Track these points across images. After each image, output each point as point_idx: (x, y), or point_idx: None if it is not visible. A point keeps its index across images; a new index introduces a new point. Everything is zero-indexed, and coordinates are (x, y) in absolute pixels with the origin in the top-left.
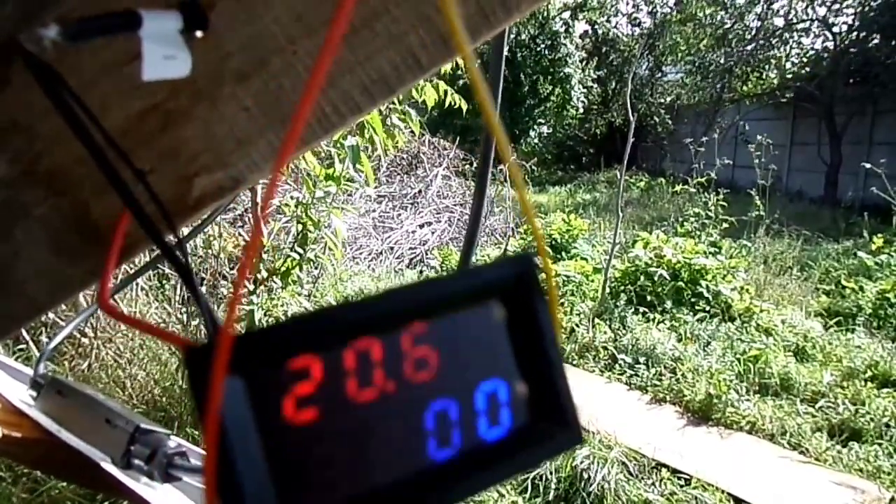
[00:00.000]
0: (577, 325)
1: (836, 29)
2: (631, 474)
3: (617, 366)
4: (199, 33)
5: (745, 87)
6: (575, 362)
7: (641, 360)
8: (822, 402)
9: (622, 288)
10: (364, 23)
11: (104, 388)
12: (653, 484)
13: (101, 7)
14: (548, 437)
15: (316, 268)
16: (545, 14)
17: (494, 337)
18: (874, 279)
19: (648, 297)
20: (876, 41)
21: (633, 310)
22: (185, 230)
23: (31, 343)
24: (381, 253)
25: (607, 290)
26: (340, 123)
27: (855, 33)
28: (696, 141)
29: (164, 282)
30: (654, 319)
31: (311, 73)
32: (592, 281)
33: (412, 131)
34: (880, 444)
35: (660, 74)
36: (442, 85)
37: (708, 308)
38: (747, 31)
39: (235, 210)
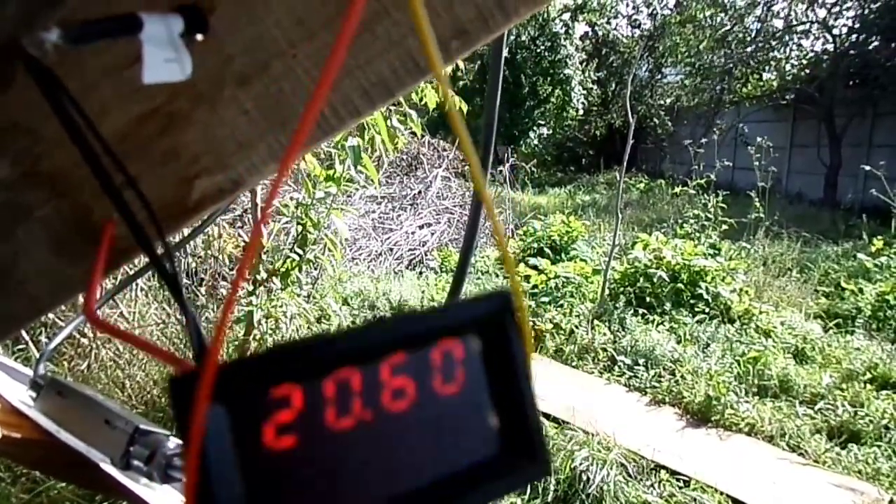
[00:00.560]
0: (576, 327)
1: (835, 31)
2: (630, 476)
3: (616, 367)
4: (199, 37)
5: (744, 89)
6: (574, 364)
7: (641, 361)
8: (821, 404)
9: (621, 289)
10: (364, 26)
11: (103, 388)
12: (652, 485)
13: (103, 10)
14: (516, 468)
15: (315, 269)
16: (545, 15)
17: (471, 369)
18: (873, 281)
19: (648, 299)
20: (876, 43)
21: (632, 311)
22: (185, 231)
23: (30, 343)
24: (380, 254)
25: (607, 291)
26: (340, 126)
27: (854, 36)
28: (696, 143)
29: (164, 282)
30: (653, 321)
31: (317, 83)
32: (592, 282)
33: (412, 132)
34: (879, 446)
35: (660, 76)
36: (440, 87)
37: (707, 310)
38: (747, 33)
39: (235, 211)
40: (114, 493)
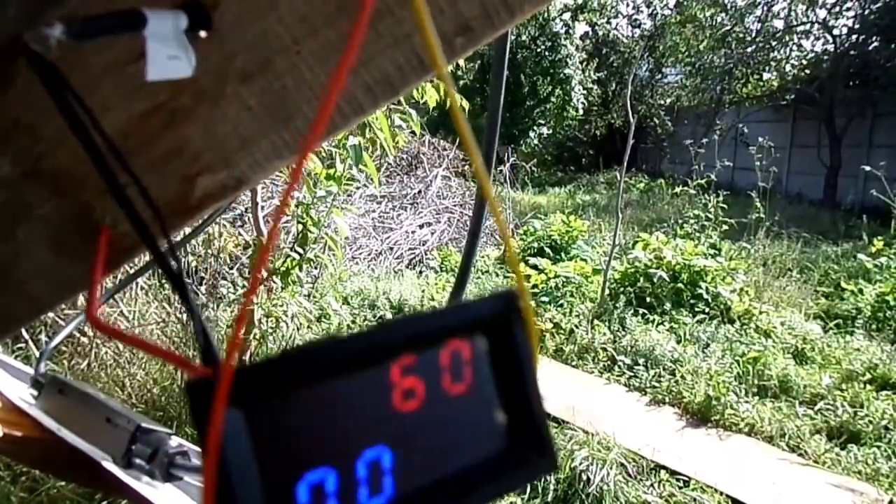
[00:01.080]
0: (576, 327)
1: (836, 32)
2: (630, 476)
3: (616, 367)
4: (202, 33)
5: (744, 90)
6: (574, 363)
7: (640, 361)
8: (820, 405)
9: (622, 289)
10: (369, 24)
11: (103, 387)
12: (651, 485)
13: (106, 6)
14: (524, 464)
15: (316, 268)
16: (546, 15)
17: (479, 367)
18: (873, 282)
19: (648, 299)
20: (876, 44)
21: (632, 311)
22: (187, 230)
23: (30, 342)
24: (380, 253)
25: (607, 291)
26: (343, 124)
27: (855, 36)
28: (696, 143)
29: (164, 281)
30: (653, 321)
31: (327, 85)
32: (592, 282)
33: (413, 131)
34: (879, 447)
35: (660, 76)
36: (443, 85)
37: (707, 310)
38: (747, 33)
39: (235, 210)
40: (115, 492)
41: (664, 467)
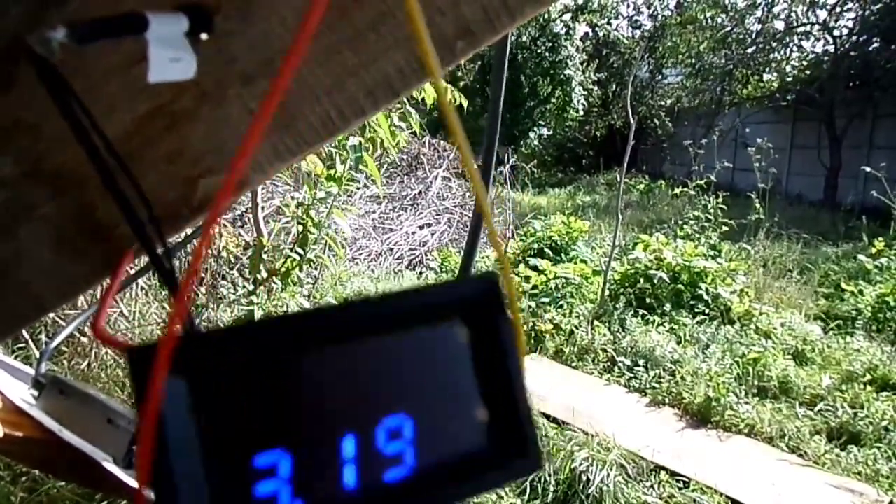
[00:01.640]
0: (576, 328)
1: (836, 33)
2: (630, 477)
3: (616, 368)
4: (204, 36)
5: (745, 91)
6: (574, 364)
7: (640, 362)
8: (820, 406)
9: (622, 290)
10: (370, 26)
11: (103, 387)
12: (651, 486)
13: (108, 9)
14: (506, 462)
15: (316, 268)
16: (546, 16)
17: (457, 357)
18: (873, 283)
19: (648, 300)
20: (876, 45)
21: (632, 312)
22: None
23: (30, 342)
24: (380, 254)
25: (607, 292)
26: (344, 126)
27: (855, 37)
28: (696, 144)
29: (163, 281)
30: (653, 322)
31: (279, 72)
32: (592, 283)
33: (413, 132)
34: (879, 448)
35: (660, 77)
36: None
37: (707, 311)
38: (747, 34)
39: (236, 211)
40: (116, 493)
41: (664, 468)
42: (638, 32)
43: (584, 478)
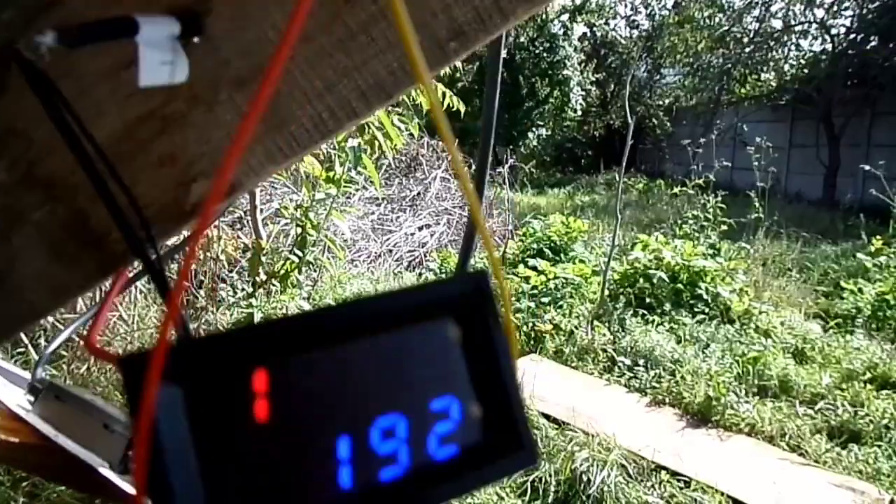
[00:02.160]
0: (576, 328)
1: (834, 31)
2: (630, 476)
3: (616, 368)
4: (195, 39)
5: (743, 90)
6: (574, 364)
7: (640, 362)
8: (821, 404)
9: (621, 290)
10: (362, 28)
11: (102, 392)
12: (652, 486)
13: (99, 13)
14: (500, 458)
15: (315, 270)
16: (544, 17)
17: (449, 355)
18: (873, 281)
19: (647, 300)
20: (874, 43)
21: (632, 312)
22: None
23: (29, 347)
24: (379, 255)
25: (606, 292)
26: (337, 128)
27: (853, 36)
28: (695, 143)
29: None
30: (653, 321)
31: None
32: (591, 283)
33: (411, 133)
34: (880, 446)
35: (658, 76)
36: (440, 87)
37: (707, 310)
38: (745, 33)
39: (234, 213)
40: (112, 498)
41: (665, 468)
42: (636, 32)
43: (585, 478)
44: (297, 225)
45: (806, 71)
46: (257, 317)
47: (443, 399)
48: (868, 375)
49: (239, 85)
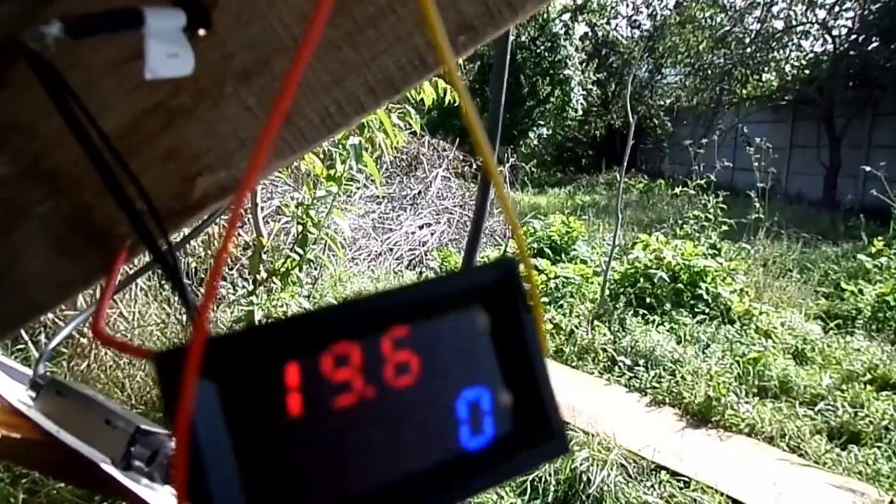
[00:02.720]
0: (576, 327)
1: (835, 32)
2: (630, 476)
3: (616, 368)
4: (201, 31)
5: (744, 90)
6: (574, 364)
7: (641, 362)
8: (821, 405)
9: (621, 290)
10: (370, 22)
11: (102, 388)
12: (652, 486)
13: (104, 4)
14: (532, 447)
15: (316, 268)
16: (545, 16)
17: (478, 344)
18: (873, 282)
19: (648, 300)
20: (875, 44)
21: (632, 312)
22: (186, 230)
23: (29, 343)
24: (380, 254)
25: (607, 292)
26: (345, 123)
27: (854, 36)
28: (696, 143)
29: (164, 282)
30: (653, 321)
31: (289, 68)
32: (592, 283)
33: (412, 132)
34: (879, 447)
35: (659, 76)
36: (441, 83)
37: (707, 310)
38: (747, 33)
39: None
40: (114, 494)
41: (665, 468)
42: (637, 32)
43: (585, 478)
44: (298, 223)
45: (807, 72)
46: (258, 315)
47: (473, 389)
48: (868, 376)
49: (244, 78)
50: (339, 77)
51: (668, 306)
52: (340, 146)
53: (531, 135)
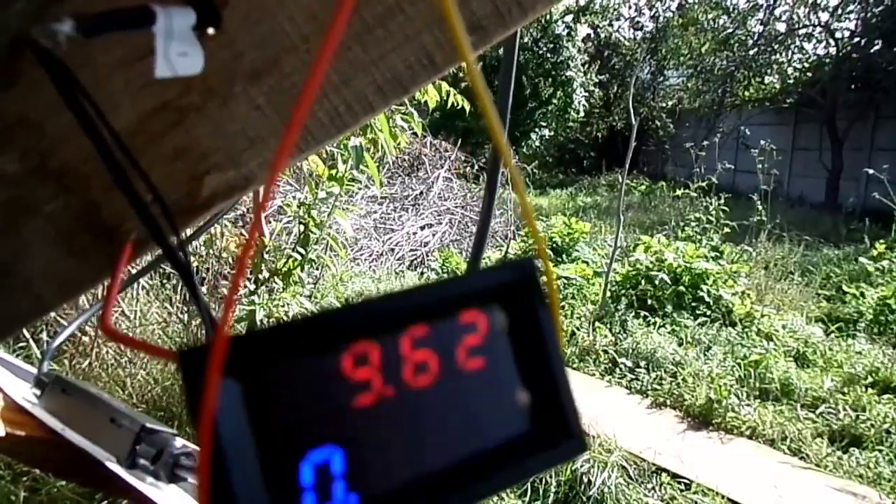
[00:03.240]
0: (577, 329)
1: (838, 35)
2: (631, 478)
3: (617, 369)
4: (211, 30)
5: (746, 92)
6: (575, 366)
7: (642, 363)
8: (822, 408)
9: (623, 292)
10: (378, 22)
11: (104, 386)
12: (653, 488)
13: (114, 2)
14: (550, 446)
15: (317, 268)
16: (548, 17)
17: (497, 342)
18: (875, 285)
19: (649, 301)
20: (878, 47)
21: (633, 314)
22: (191, 229)
23: (31, 341)
24: (381, 254)
25: (608, 293)
26: (353, 122)
27: (857, 39)
28: (698, 145)
29: (166, 281)
30: (654, 323)
31: (309, 73)
32: (593, 284)
33: (414, 133)
34: (881, 451)
35: (662, 78)
36: (444, 86)
37: (709, 312)
38: (749, 35)
39: (237, 210)
40: (119, 493)
41: (665, 470)
42: (639, 34)
43: (586, 479)
44: (300, 223)
45: (809, 74)
46: (259, 314)
47: (492, 387)
48: (870, 380)
49: (254, 77)
50: (347, 77)
51: (669, 308)
52: (342, 146)
53: (533, 136)
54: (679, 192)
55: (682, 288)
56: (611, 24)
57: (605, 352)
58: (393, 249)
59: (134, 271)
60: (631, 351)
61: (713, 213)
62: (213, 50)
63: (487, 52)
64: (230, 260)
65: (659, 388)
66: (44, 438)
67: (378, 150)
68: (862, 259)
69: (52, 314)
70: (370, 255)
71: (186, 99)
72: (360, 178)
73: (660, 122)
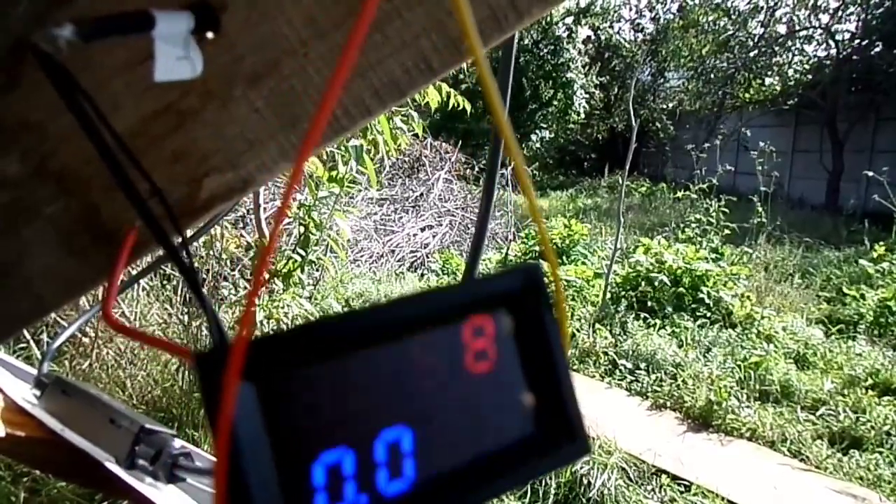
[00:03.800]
0: (577, 330)
1: (838, 37)
2: (631, 480)
3: (617, 371)
4: (210, 35)
5: (747, 94)
6: (575, 367)
7: (642, 365)
8: (822, 410)
9: (623, 293)
10: (376, 27)
11: (104, 387)
12: (652, 490)
13: (114, 7)
14: (554, 449)
15: (317, 270)
16: (548, 19)
17: (504, 347)
18: (875, 287)
19: (649, 303)
20: (878, 49)
21: (633, 315)
22: (191, 231)
23: (31, 342)
24: (382, 256)
25: (608, 295)
26: (351, 126)
27: (857, 41)
28: (698, 147)
29: (166, 282)
30: (654, 325)
31: (328, 86)
32: (593, 286)
33: (415, 134)
34: (881, 453)
35: (662, 80)
36: (445, 87)
37: (709, 314)
38: (750, 37)
39: (237, 211)
40: (118, 494)
41: (665, 472)
42: (640, 36)
43: (585, 481)
44: (300, 224)
45: (810, 76)
46: (259, 316)
47: (498, 391)
48: (870, 382)
49: (253, 81)
50: (345, 80)
51: (669, 310)
52: (342, 148)
53: (534, 138)
54: (679, 194)
55: (682, 290)
56: (611, 26)
57: (606, 353)
58: (393, 251)
59: (134, 272)
60: (631, 352)
61: (713, 214)
62: (213, 54)
63: (488, 54)
64: (229, 261)
65: (659, 389)
66: (44, 439)
67: (378, 151)
68: (862, 261)
69: (53, 315)
70: (370, 257)
71: (186, 102)
72: (360, 179)
73: (660, 123)
